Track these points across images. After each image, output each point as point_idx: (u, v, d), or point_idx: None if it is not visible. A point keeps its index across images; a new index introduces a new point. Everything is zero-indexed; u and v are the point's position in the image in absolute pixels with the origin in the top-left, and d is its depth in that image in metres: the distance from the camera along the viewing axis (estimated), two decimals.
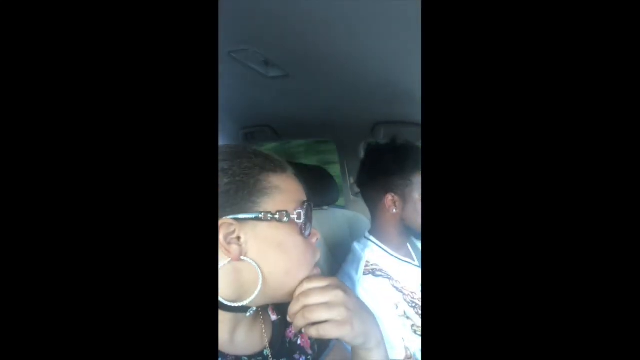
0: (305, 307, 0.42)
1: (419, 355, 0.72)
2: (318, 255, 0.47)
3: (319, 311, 0.42)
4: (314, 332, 0.41)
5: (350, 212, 1.31)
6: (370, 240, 0.86)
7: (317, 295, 0.42)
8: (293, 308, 0.43)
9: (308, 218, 0.45)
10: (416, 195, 0.81)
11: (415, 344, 0.72)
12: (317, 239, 0.48)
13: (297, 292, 0.43)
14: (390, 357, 0.67)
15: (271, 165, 0.46)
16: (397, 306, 0.75)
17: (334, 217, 1.17)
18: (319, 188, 1.16)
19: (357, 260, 0.82)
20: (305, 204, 0.45)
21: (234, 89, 1.02)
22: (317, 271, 0.46)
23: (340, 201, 1.46)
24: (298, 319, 0.42)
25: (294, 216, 0.44)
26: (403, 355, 0.70)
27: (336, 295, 0.43)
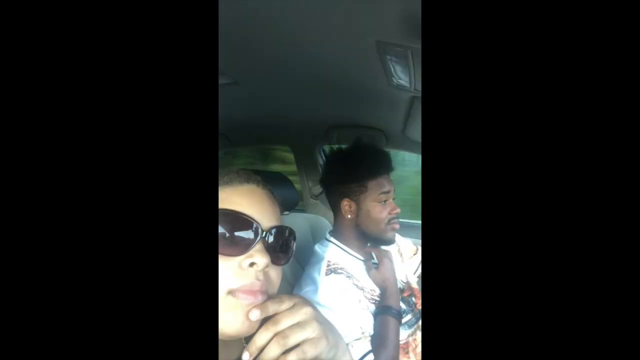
0: (277, 334, 0.39)
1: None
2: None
3: (294, 334, 0.39)
4: (293, 357, 0.38)
5: (311, 215, 1.32)
6: (331, 242, 0.87)
7: (287, 318, 0.40)
8: (261, 339, 0.39)
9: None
10: (370, 201, 0.83)
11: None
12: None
13: (266, 314, 0.40)
14: (360, 351, 0.70)
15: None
16: (360, 301, 0.77)
17: (295, 222, 1.17)
18: (278, 192, 1.15)
19: (319, 261, 0.83)
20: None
21: None
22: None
23: (300, 205, 1.47)
24: (272, 349, 0.38)
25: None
26: (370, 346, 0.72)
27: (305, 312, 0.41)
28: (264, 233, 0.43)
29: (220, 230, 0.41)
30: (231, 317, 0.40)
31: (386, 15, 0.57)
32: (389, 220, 0.83)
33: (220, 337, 0.41)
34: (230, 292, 0.40)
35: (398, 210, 0.85)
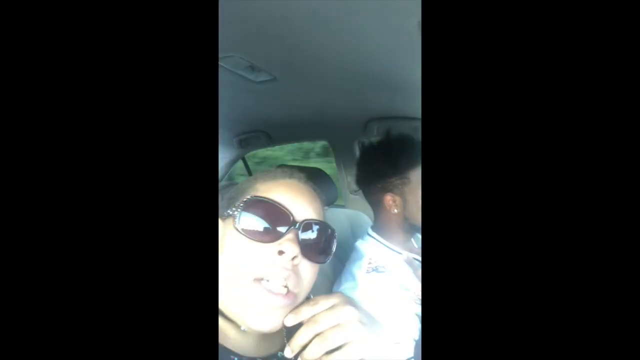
0: (317, 335, 0.39)
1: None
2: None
3: (334, 335, 0.38)
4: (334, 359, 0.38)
5: (351, 211, 1.31)
6: (373, 238, 0.85)
7: (326, 319, 0.39)
8: (303, 338, 0.39)
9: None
10: (417, 191, 0.80)
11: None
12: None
13: (302, 318, 0.40)
14: (399, 357, 0.67)
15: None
16: (402, 303, 0.75)
17: (334, 218, 1.17)
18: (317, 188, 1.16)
19: (360, 257, 0.81)
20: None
21: (223, 96, 1.02)
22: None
23: (340, 200, 1.46)
24: (313, 349, 0.38)
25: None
26: (412, 352, 0.69)
27: (346, 312, 0.40)
28: (297, 224, 0.43)
29: (255, 217, 0.43)
30: (256, 313, 0.41)
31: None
32: None
33: (247, 330, 0.42)
34: (257, 280, 0.41)
35: None
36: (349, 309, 0.41)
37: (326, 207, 1.18)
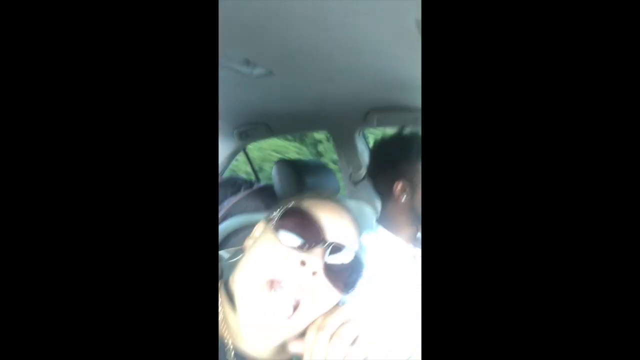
0: (333, 336, 0.40)
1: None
2: None
3: (347, 332, 0.40)
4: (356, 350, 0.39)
5: (354, 202, 1.31)
6: (380, 230, 0.85)
7: (334, 320, 0.41)
8: (320, 347, 0.39)
9: None
10: None
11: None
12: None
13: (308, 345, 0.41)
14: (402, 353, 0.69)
15: None
16: (408, 298, 0.75)
17: None
18: (318, 182, 1.16)
19: (365, 251, 0.81)
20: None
21: (222, 88, 1.01)
22: None
23: (342, 192, 1.46)
24: (335, 351, 0.39)
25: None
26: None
27: (346, 311, 0.42)
28: (327, 243, 0.44)
29: (291, 224, 0.44)
30: (254, 327, 0.41)
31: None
32: None
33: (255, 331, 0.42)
34: (270, 283, 0.42)
35: None
36: (346, 307, 0.42)
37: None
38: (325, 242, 0.43)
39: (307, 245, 0.43)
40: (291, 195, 0.51)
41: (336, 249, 0.44)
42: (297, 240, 0.43)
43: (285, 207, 0.46)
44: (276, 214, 0.46)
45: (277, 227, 0.44)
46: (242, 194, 1.23)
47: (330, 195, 0.52)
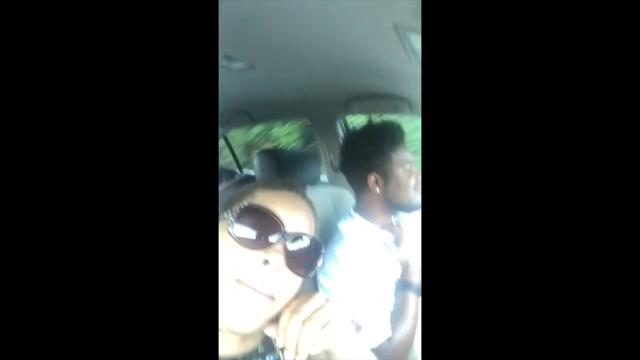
0: (305, 321, 0.40)
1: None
2: None
3: (320, 317, 0.41)
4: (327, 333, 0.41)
5: (334, 188, 1.34)
6: (356, 218, 0.89)
7: (309, 306, 0.42)
8: (293, 331, 0.40)
9: None
10: (398, 170, 0.84)
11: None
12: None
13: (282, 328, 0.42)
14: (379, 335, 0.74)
15: None
16: (381, 278, 0.80)
17: (317, 196, 1.19)
18: (299, 169, 1.18)
19: (342, 239, 0.85)
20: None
21: None
22: None
23: (323, 177, 1.49)
24: (307, 335, 0.40)
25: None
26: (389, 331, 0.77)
27: (320, 297, 0.43)
28: (286, 236, 0.44)
29: (248, 224, 0.44)
30: (234, 312, 0.42)
31: None
32: (415, 186, 0.85)
33: (226, 331, 0.43)
34: (238, 281, 0.42)
35: (419, 175, 0.86)
36: (321, 294, 0.44)
37: (309, 186, 1.19)
38: (286, 234, 0.44)
39: (266, 242, 0.43)
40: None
41: (296, 238, 0.45)
42: (256, 238, 0.44)
43: (239, 207, 0.46)
44: (231, 214, 0.45)
45: (235, 227, 0.44)
46: (224, 184, 1.20)
47: (284, 184, 0.51)
